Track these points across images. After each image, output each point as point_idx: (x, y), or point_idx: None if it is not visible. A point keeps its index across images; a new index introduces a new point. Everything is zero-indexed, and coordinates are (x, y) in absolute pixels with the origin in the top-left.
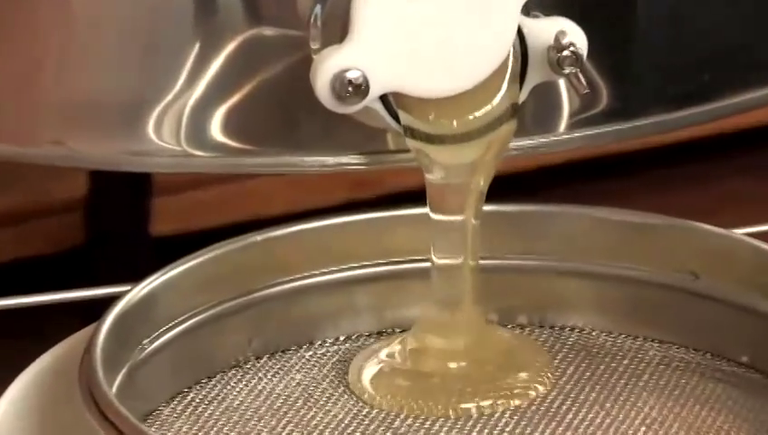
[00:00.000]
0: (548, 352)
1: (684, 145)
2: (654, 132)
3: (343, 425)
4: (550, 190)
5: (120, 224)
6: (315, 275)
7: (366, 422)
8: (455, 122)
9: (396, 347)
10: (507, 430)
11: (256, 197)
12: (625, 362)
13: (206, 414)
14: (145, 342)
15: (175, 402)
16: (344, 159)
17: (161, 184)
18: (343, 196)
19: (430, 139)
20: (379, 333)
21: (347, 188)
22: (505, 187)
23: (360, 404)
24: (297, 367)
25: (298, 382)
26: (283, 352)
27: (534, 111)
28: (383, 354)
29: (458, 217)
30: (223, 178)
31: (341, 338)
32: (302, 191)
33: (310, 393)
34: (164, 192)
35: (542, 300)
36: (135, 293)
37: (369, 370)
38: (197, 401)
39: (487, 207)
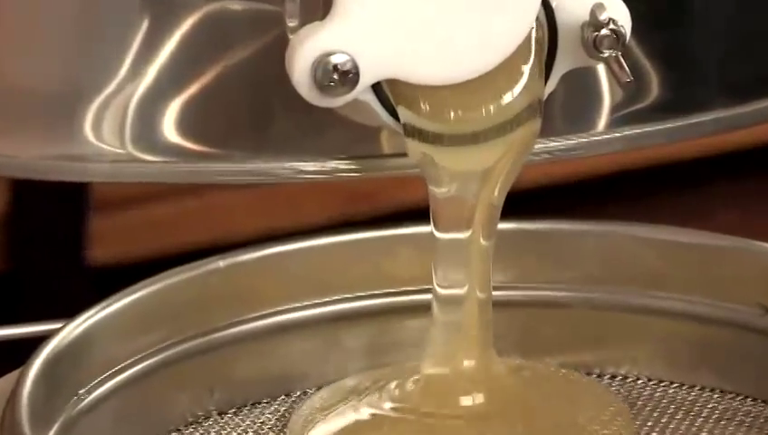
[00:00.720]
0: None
1: (757, 151)
2: (716, 132)
3: None
4: (587, 207)
5: (50, 248)
6: (293, 310)
7: None
8: (465, 119)
9: (377, 398)
10: None
11: (220, 215)
12: (678, 416)
13: None
14: (81, 392)
15: None
16: (329, 166)
17: (102, 199)
18: (333, 213)
19: (435, 139)
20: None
21: (338, 204)
22: (530, 203)
23: None
24: (270, 424)
25: None
26: (252, 405)
27: (565, 105)
28: (358, 408)
29: (466, 236)
30: (178, 192)
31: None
32: (279, 208)
33: None
34: (105, 209)
35: (576, 341)
36: (69, 331)
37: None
38: None
39: (506, 225)
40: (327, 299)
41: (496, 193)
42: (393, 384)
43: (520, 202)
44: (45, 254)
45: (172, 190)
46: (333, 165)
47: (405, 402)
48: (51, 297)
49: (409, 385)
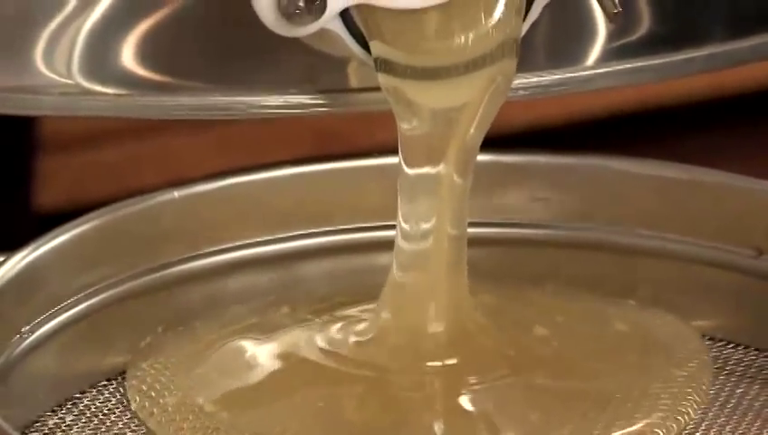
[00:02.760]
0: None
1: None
2: (710, 68)
3: None
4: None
5: None
6: (252, 246)
7: None
8: (437, 51)
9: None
10: None
11: (178, 158)
12: None
13: (104, 426)
14: (24, 330)
15: (64, 411)
16: (294, 100)
17: (50, 139)
18: (300, 156)
19: (409, 73)
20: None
21: (306, 146)
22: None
23: None
24: None
25: None
26: None
27: (549, 39)
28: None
29: (437, 172)
30: (132, 132)
31: None
32: (241, 151)
33: None
34: (53, 150)
35: (558, 280)
36: (11, 265)
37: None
38: (94, 408)
39: (483, 157)
40: (290, 234)
41: (472, 131)
42: (335, 328)
43: (509, 144)
44: None
45: (126, 130)
46: (298, 99)
47: (348, 352)
48: None
49: (358, 331)
